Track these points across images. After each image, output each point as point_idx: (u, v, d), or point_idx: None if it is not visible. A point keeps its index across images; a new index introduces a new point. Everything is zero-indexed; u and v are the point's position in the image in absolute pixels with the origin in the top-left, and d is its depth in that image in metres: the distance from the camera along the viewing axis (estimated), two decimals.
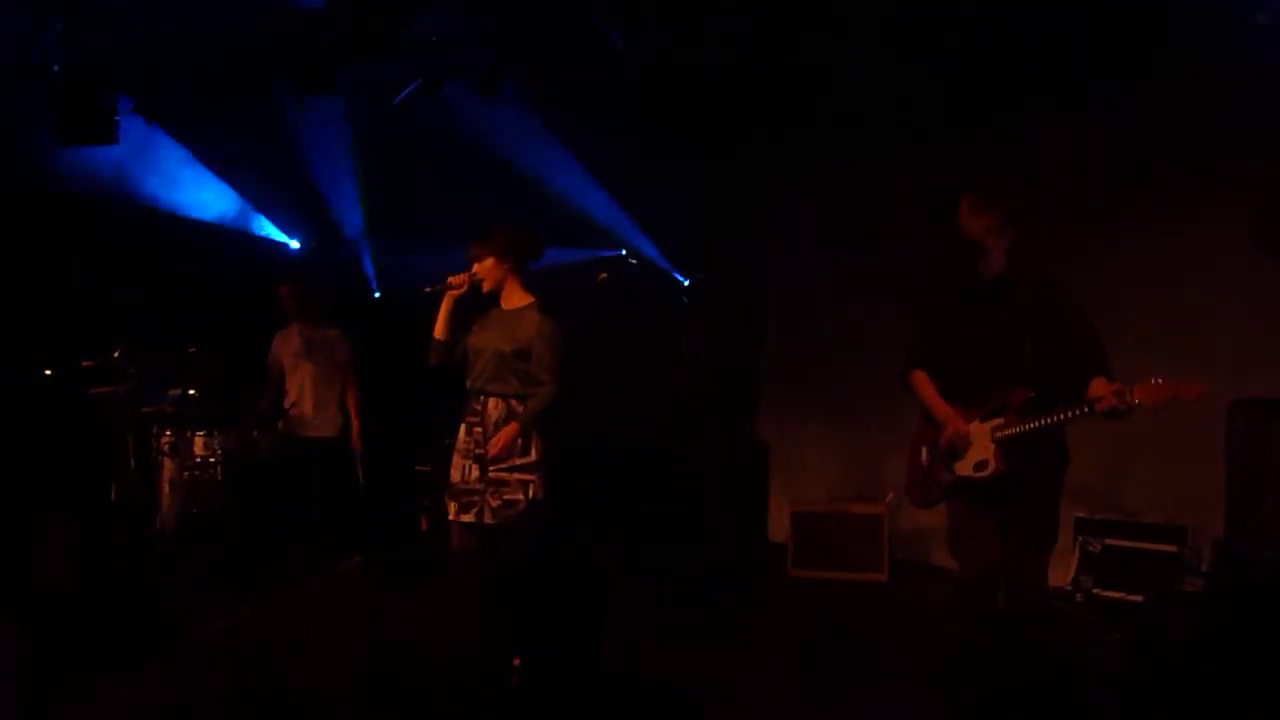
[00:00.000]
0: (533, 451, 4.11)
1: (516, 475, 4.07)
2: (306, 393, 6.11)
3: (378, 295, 8.26)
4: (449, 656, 4.15)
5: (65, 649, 4.26)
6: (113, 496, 5.81)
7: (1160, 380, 3.21)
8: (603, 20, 5.26)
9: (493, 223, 4.26)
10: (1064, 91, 5.72)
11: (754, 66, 5.84)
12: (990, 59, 5.59)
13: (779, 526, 7.28)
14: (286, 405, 6.07)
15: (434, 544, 6.26)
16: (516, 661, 3.84)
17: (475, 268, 4.19)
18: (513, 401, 4.12)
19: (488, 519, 4.04)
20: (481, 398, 4.15)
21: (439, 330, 4.22)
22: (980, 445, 3.52)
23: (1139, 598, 5.16)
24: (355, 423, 6.26)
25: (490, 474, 4.07)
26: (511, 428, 4.05)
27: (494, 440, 4.05)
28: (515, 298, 4.25)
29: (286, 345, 6.17)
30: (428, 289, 4.20)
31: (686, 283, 7.84)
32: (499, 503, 4.04)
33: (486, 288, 4.20)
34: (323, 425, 6.14)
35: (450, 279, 4.18)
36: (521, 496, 4.06)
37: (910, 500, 3.86)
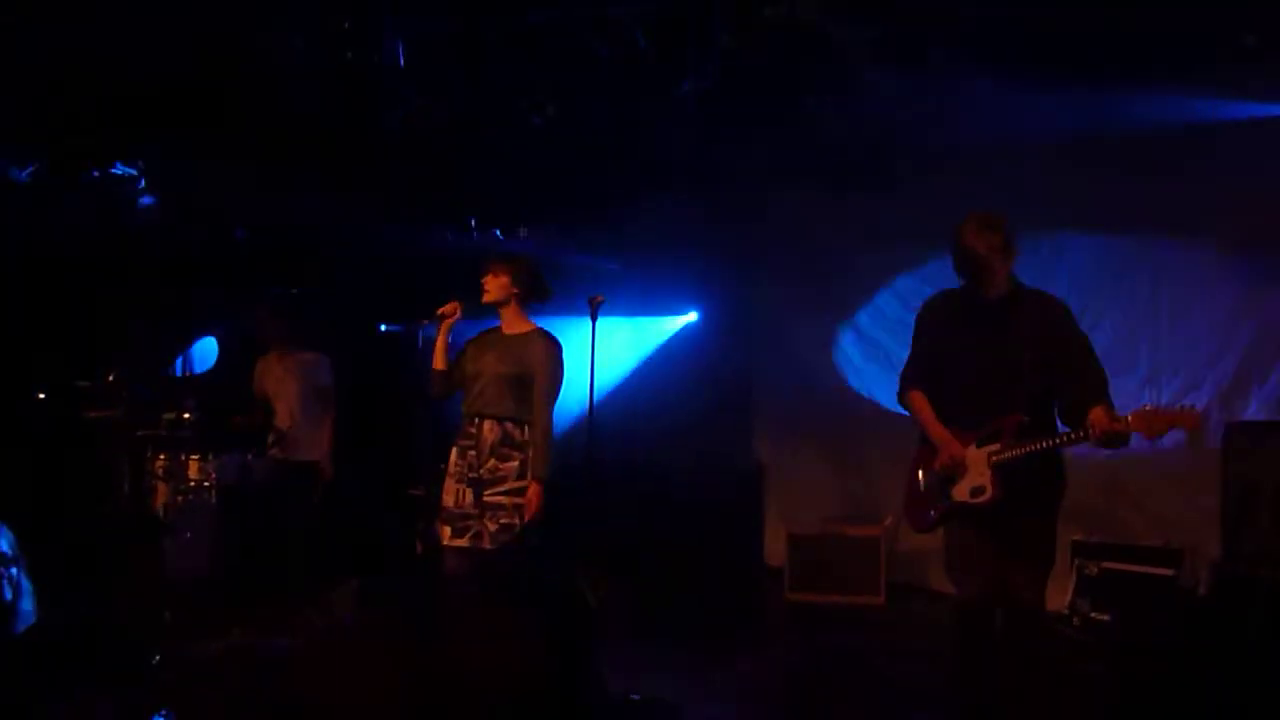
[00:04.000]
0: (527, 474, 4.10)
1: (513, 499, 4.06)
2: (295, 416, 6.08)
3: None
4: (444, 681, 4.13)
5: (56, 673, 4.24)
6: (106, 521, 5.78)
7: (1151, 407, 3.24)
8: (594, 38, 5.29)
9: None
10: (1059, 116, 5.76)
11: (739, 90, 5.88)
12: (983, 81, 5.63)
13: (775, 550, 7.26)
14: (271, 433, 6.05)
15: (429, 568, 6.23)
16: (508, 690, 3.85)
17: (486, 280, 4.22)
18: (508, 424, 4.12)
19: (486, 544, 4.03)
20: (477, 420, 4.14)
21: (438, 360, 4.24)
22: (977, 470, 3.51)
23: (1136, 621, 5.16)
24: (327, 449, 6.16)
25: (486, 498, 4.06)
26: (535, 489, 4.06)
27: (527, 508, 4.05)
28: (517, 324, 4.28)
29: (268, 370, 6.14)
30: (424, 322, 4.27)
31: (696, 315, 7.89)
32: (496, 526, 4.03)
33: (486, 299, 4.23)
34: (312, 448, 6.11)
35: (439, 310, 4.22)
36: (517, 520, 4.05)
37: (908, 524, 3.84)
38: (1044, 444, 3.41)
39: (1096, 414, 3.30)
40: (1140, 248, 5.78)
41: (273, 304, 6.21)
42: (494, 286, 4.22)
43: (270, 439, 6.08)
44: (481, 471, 4.09)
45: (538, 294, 4.33)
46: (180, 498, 5.80)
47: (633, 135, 6.44)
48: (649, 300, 7.82)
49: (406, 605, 5.71)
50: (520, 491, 4.07)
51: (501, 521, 4.04)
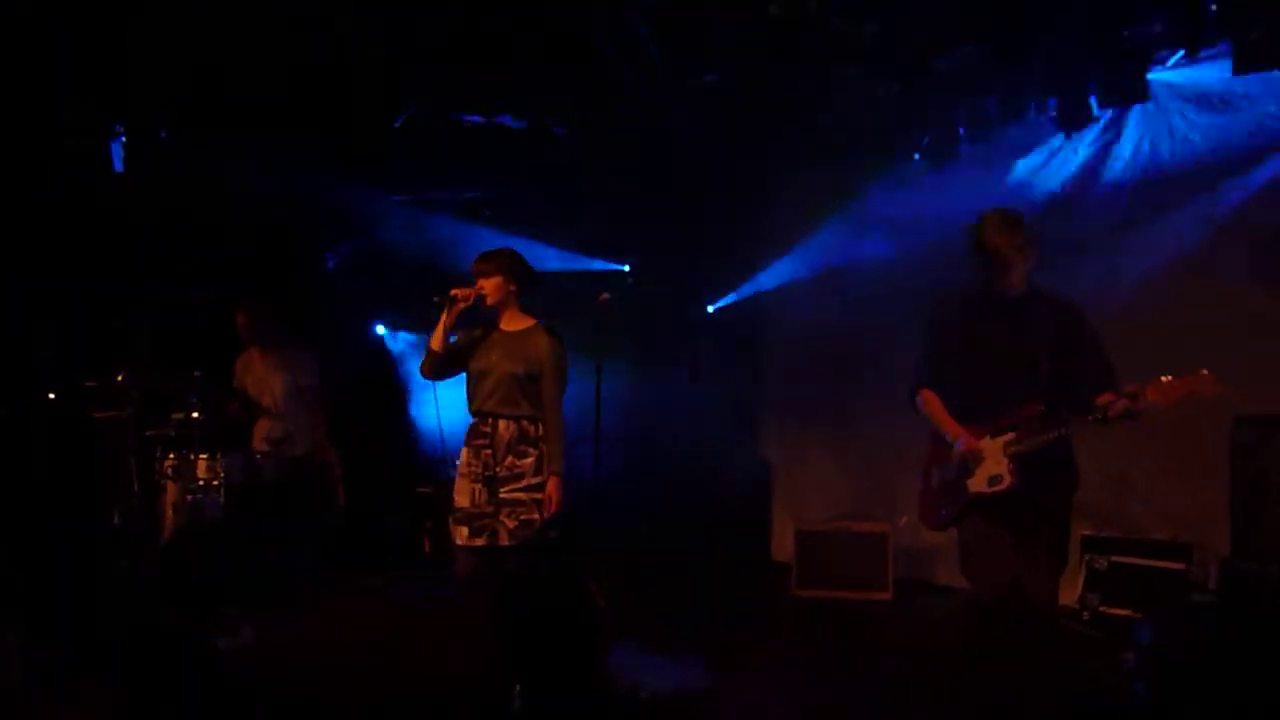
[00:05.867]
0: (543, 470, 4.11)
1: (532, 494, 4.06)
2: (280, 412, 6.12)
3: None
4: (455, 679, 4.14)
5: (70, 670, 4.26)
6: (115, 520, 5.80)
7: (1169, 379, 3.22)
8: (601, 37, 5.29)
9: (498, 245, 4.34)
10: (1064, 108, 5.74)
11: (750, 86, 5.87)
12: (991, 74, 5.61)
13: (782, 546, 7.26)
14: (256, 428, 6.09)
15: (438, 566, 6.25)
16: (516, 689, 3.86)
17: (481, 283, 4.18)
18: (524, 422, 4.11)
19: (503, 540, 4.02)
20: (490, 420, 4.13)
21: (436, 342, 4.17)
22: (993, 460, 3.50)
23: (1145, 615, 5.14)
24: (326, 444, 6.22)
25: (503, 495, 4.06)
26: (555, 483, 4.08)
27: (548, 502, 4.06)
28: (517, 320, 4.25)
29: (248, 369, 6.19)
30: (435, 299, 4.18)
31: (711, 310, 7.89)
32: (515, 523, 4.02)
33: (489, 302, 4.19)
34: (294, 444, 6.15)
35: (455, 291, 4.15)
36: (537, 515, 4.05)
37: (923, 522, 3.83)
38: (1061, 430, 3.40)
39: (1107, 396, 3.30)
40: (1146, 239, 5.75)
41: (254, 303, 6.23)
42: (490, 287, 4.17)
43: (259, 435, 6.11)
44: (498, 469, 4.07)
45: (529, 279, 4.29)
46: (189, 496, 5.81)
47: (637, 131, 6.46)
48: (653, 296, 7.82)
49: (412, 603, 5.75)
50: (538, 487, 4.07)
51: (521, 518, 4.03)
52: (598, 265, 7.74)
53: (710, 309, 7.94)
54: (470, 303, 4.16)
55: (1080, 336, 3.50)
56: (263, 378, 6.12)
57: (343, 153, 6.86)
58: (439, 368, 4.22)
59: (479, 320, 4.29)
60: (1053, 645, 3.59)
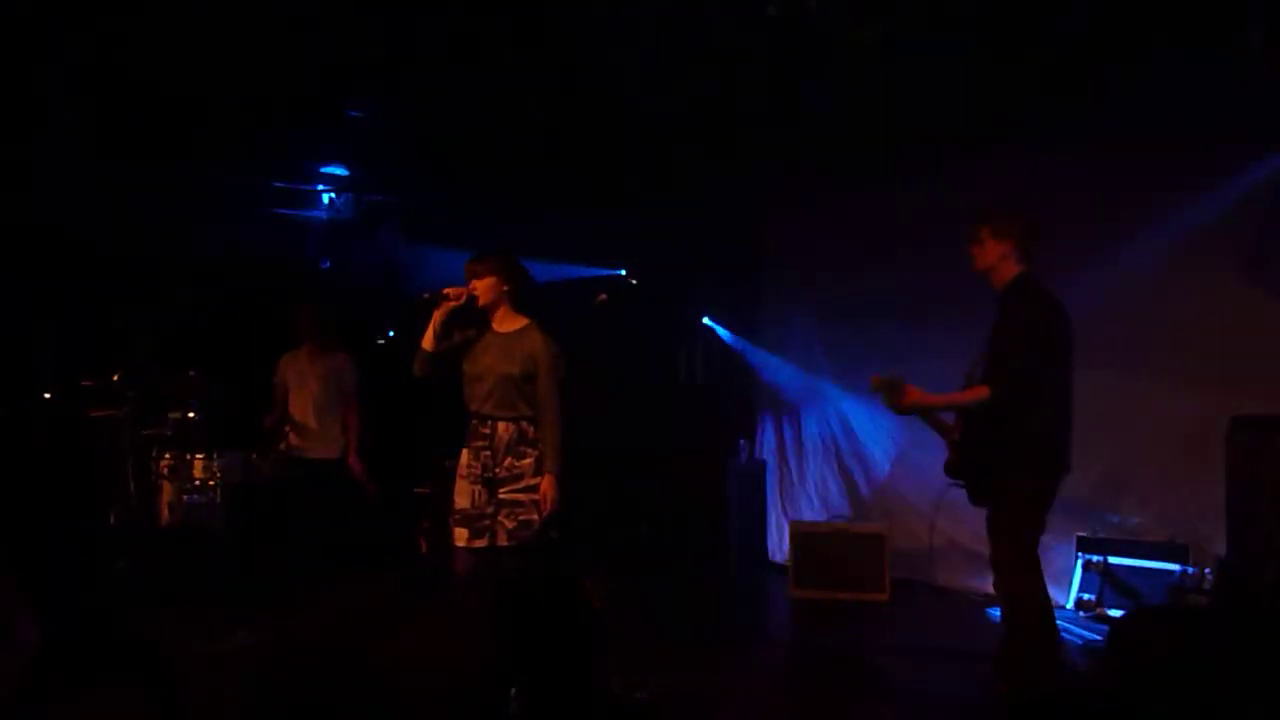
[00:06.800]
0: (542, 469, 4.10)
1: (530, 495, 4.06)
2: (310, 414, 6.11)
3: None
4: (452, 682, 4.14)
5: (61, 672, 4.24)
6: (111, 520, 5.80)
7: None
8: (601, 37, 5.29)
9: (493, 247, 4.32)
10: (1057, 109, 5.74)
11: (742, 91, 5.87)
12: (984, 73, 5.61)
13: (780, 546, 7.26)
14: (287, 427, 6.09)
15: (435, 567, 6.25)
16: (514, 691, 3.86)
17: (474, 283, 4.16)
18: (523, 424, 4.10)
19: (501, 540, 4.02)
20: (490, 422, 4.13)
21: (428, 341, 4.15)
22: None
23: (1142, 615, 5.16)
24: (352, 447, 6.25)
25: (502, 495, 4.06)
26: (550, 481, 4.07)
27: (543, 500, 4.05)
28: (509, 321, 4.23)
29: (293, 366, 6.18)
30: (425, 295, 4.16)
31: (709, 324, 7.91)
32: (514, 524, 4.02)
33: (481, 302, 4.16)
34: (325, 447, 6.15)
35: (447, 290, 4.13)
36: (536, 516, 4.05)
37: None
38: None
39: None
40: (1151, 237, 5.76)
41: (318, 304, 6.25)
42: (483, 288, 4.14)
43: (284, 431, 6.10)
44: (498, 470, 4.07)
45: (524, 281, 4.27)
46: (185, 497, 5.81)
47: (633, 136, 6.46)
48: (650, 298, 7.83)
49: (409, 604, 5.73)
50: (537, 488, 4.07)
51: (520, 518, 4.03)
52: (595, 267, 7.75)
53: (705, 320, 7.96)
54: (461, 302, 4.13)
55: (997, 331, 3.77)
56: (305, 377, 6.11)
57: (342, 153, 6.87)
58: (430, 366, 4.19)
59: (473, 320, 4.27)
60: (1019, 629, 3.67)
